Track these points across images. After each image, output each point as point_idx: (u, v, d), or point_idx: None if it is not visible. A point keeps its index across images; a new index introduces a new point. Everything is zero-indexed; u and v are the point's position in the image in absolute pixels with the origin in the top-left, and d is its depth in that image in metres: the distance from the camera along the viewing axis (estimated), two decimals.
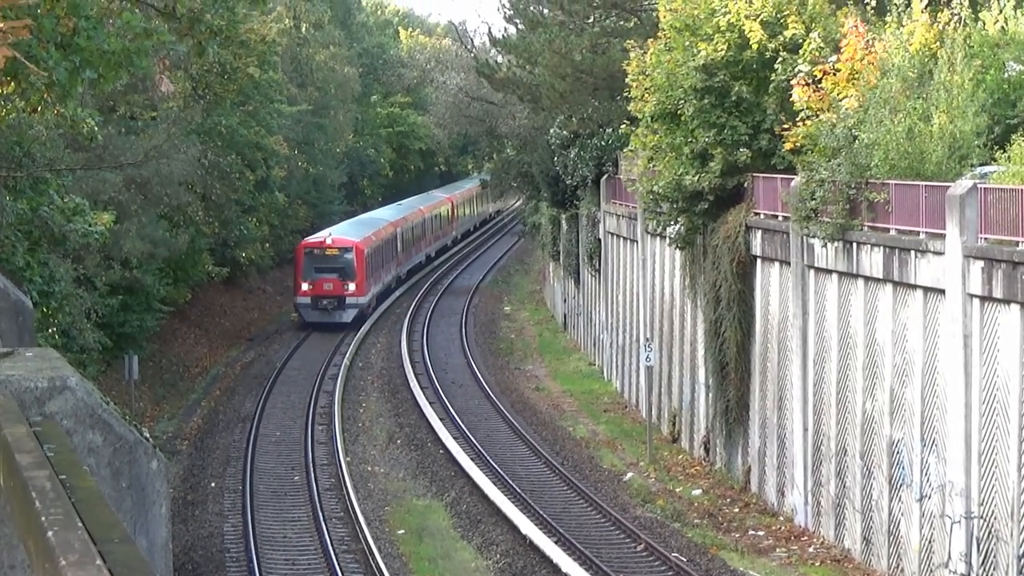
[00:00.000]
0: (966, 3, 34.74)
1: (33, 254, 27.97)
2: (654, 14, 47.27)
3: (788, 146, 36.44)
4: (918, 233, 30.89)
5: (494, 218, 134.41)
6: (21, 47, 13.74)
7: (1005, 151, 30.18)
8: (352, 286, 71.94)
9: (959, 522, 29.28)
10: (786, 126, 36.60)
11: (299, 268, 71.96)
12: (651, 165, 43.25)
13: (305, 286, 71.47)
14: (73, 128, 20.32)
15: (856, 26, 35.57)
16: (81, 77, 14.49)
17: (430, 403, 53.44)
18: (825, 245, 34.78)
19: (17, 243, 26.76)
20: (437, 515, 39.19)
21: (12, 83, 14.80)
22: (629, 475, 43.26)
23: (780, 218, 37.90)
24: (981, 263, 28.24)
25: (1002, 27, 34.50)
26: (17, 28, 12.89)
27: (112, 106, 44.95)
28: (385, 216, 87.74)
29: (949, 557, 29.75)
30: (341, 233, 75.41)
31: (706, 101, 40.10)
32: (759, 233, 39.55)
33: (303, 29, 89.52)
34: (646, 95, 42.24)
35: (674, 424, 48.18)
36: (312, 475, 42.93)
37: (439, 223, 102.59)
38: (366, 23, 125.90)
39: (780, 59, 38.33)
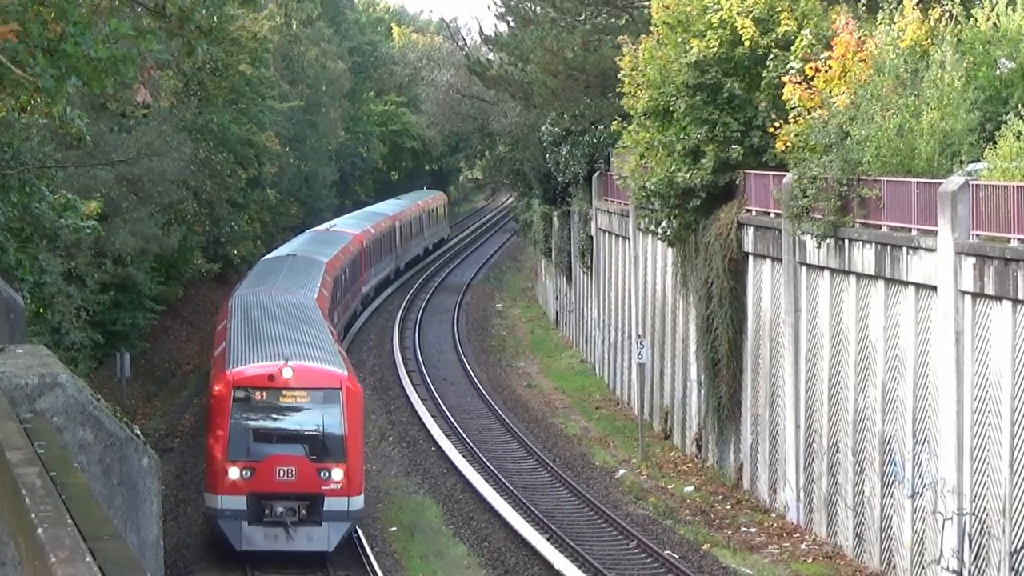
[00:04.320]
0: (957, 0, 34.76)
1: (24, 251, 27.93)
2: (645, 11, 47.24)
3: (780, 145, 36.47)
4: (910, 230, 30.90)
5: (430, 252, 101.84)
6: (7, 52, 13.70)
7: (994, 147, 30.20)
8: (338, 473, 33.92)
9: (951, 518, 29.29)
10: (777, 124, 36.63)
11: (219, 430, 34.01)
12: (643, 162, 43.25)
13: (234, 472, 33.70)
14: (62, 128, 20.30)
15: (848, 23, 35.59)
16: (67, 83, 14.44)
17: (422, 400, 53.43)
18: (818, 243, 34.78)
19: (8, 241, 26.72)
20: (429, 512, 39.15)
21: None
22: (621, 472, 43.25)
23: (772, 215, 37.90)
24: (973, 260, 28.25)
25: (994, 24, 34.51)
26: (3, 32, 12.84)
27: (103, 103, 44.90)
28: (301, 300, 46.54)
29: (941, 553, 29.76)
30: (303, 354, 35.68)
31: (698, 98, 40.11)
32: (751, 230, 39.55)
33: (294, 26, 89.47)
34: (638, 91, 42.24)
35: (666, 421, 48.17)
36: None
37: (346, 282, 65.02)
38: (358, 20, 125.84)
39: (772, 56, 38.37)
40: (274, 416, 34.30)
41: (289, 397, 34.31)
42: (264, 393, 34.03)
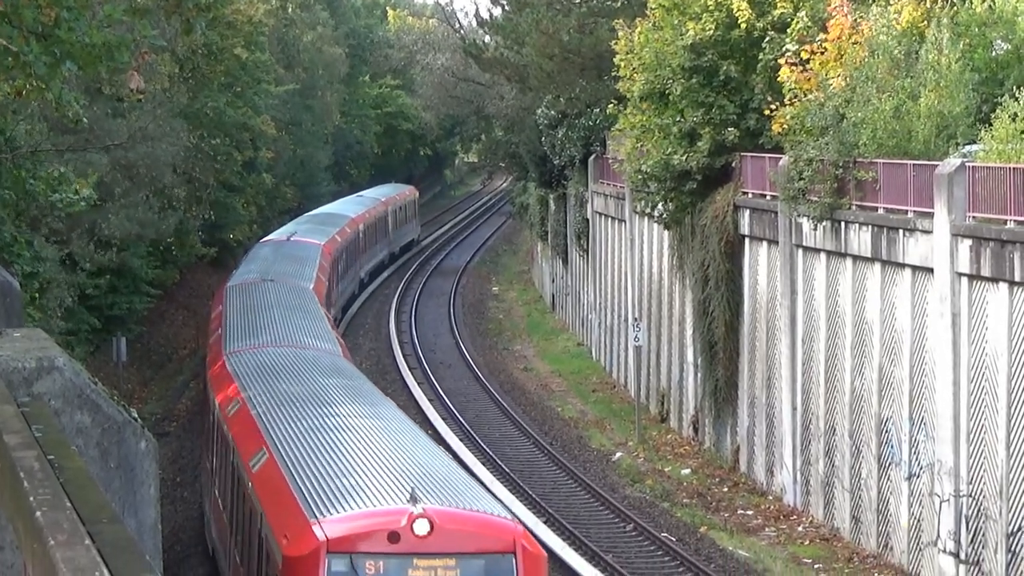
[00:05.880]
0: None
1: (19, 228, 27.92)
2: None
3: (776, 127, 36.46)
4: (906, 212, 30.90)
5: (396, 258, 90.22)
6: (1, 34, 13.65)
7: (990, 129, 30.19)
8: None
9: (948, 501, 29.33)
10: (773, 106, 36.62)
11: None
12: (639, 145, 43.21)
13: None
14: (58, 111, 20.30)
15: (843, 5, 35.55)
16: (63, 69, 14.40)
17: (418, 384, 53.41)
18: (814, 225, 34.78)
19: (3, 222, 26.71)
20: None
21: None
22: (618, 455, 43.28)
23: (768, 197, 37.89)
24: (969, 241, 28.25)
25: (989, 5, 34.47)
26: None
27: (98, 87, 44.84)
28: (334, 361, 32.87)
29: (938, 535, 29.81)
30: (434, 487, 19.60)
31: (694, 80, 40.08)
32: (747, 212, 39.54)
33: (290, 10, 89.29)
34: (634, 75, 42.21)
35: (663, 404, 48.19)
36: None
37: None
38: (353, 4, 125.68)
39: (768, 38, 38.32)
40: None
41: (426, 568, 18.52)
42: (383, 563, 18.38)
